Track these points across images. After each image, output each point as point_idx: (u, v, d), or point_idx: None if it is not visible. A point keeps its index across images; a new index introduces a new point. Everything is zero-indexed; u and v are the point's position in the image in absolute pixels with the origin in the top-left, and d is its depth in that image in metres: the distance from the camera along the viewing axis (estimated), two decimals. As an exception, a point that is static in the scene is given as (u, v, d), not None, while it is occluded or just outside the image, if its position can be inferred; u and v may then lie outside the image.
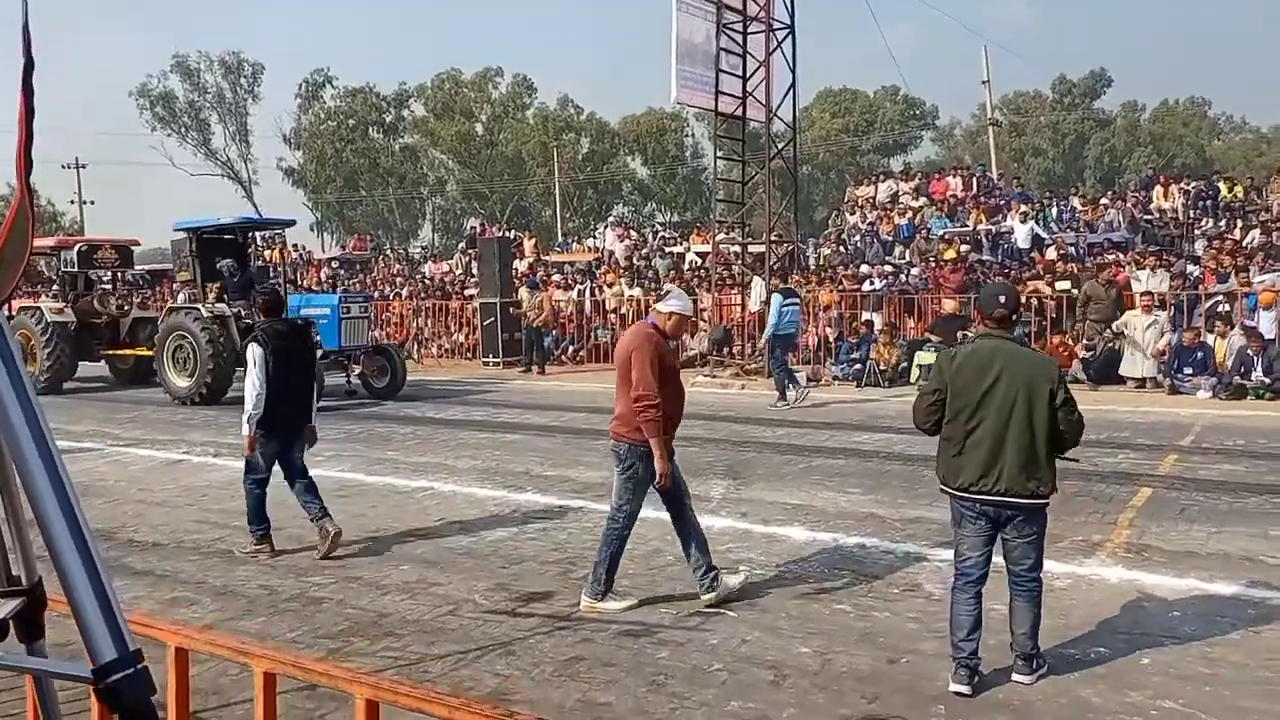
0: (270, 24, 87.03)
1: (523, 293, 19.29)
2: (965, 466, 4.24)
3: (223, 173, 57.51)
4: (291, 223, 19.49)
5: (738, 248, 19.96)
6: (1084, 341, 14.80)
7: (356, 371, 15.14)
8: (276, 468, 6.61)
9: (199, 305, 14.90)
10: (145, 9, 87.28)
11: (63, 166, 49.30)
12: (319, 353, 13.97)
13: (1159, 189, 23.28)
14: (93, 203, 50.96)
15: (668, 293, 5.80)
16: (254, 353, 6.45)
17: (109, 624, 0.94)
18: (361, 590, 5.69)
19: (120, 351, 17.46)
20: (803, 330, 16.09)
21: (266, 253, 31.17)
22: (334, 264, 31.54)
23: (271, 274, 16.13)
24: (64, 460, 1.02)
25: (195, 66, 55.44)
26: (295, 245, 33.69)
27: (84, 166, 50.01)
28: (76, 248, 17.97)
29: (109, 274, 18.56)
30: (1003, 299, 4.40)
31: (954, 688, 4.22)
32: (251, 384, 6.40)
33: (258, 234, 21.51)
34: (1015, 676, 4.30)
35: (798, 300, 14.48)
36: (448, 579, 5.88)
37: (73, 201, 50.89)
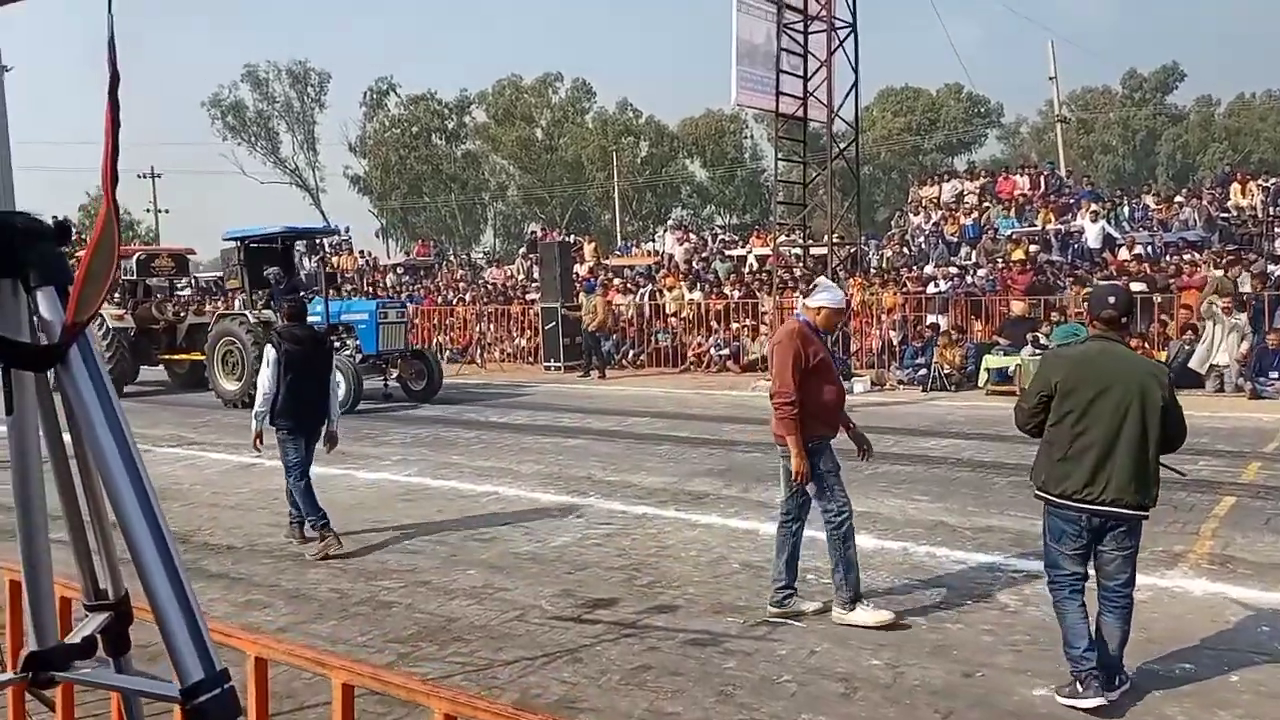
0: (336, 33, 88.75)
1: (582, 297, 19.37)
2: (1071, 474, 4.05)
3: (291, 180, 58.79)
4: (335, 231, 19.98)
5: (799, 250, 19.79)
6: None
7: (394, 375, 15.46)
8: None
9: (246, 312, 15.41)
10: (220, 25, 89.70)
11: (138, 176, 50.85)
12: (358, 357, 14.46)
13: (1236, 186, 22.52)
14: (167, 211, 52.53)
15: (816, 285, 5.56)
16: (268, 354, 6.87)
17: (196, 644, 0.93)
18: (430, 595, 5.73)
19: (176, 356, 18.11)
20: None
21: (335, 259, 31.90)
22: (398, 270, 31.99)
23: (316, 281, 16.65)
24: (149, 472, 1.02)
25: (264, 76, 56.80)
26: (361, 251, 34.33)
27: (159, 176, 51.57)
28: (135, 256, 18.67)
29: (166, 281, 19.30)
30: (1112, 300, 4.21)
31: (1090, 703, 4.00)
32: (262, 382, 6.80)
33: (325, 240, 21.95)
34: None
35: None
36: (514, 584, 5.89)
37: (148, 210, 52.49)
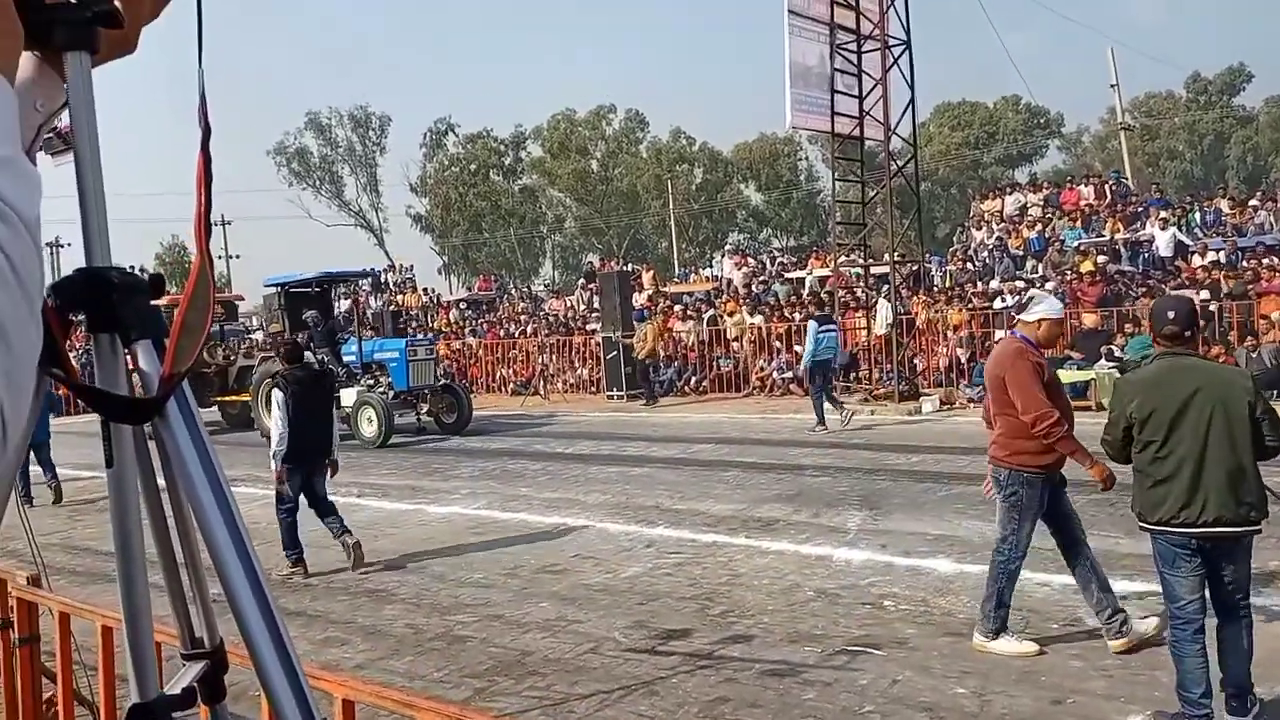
0: (394, 77, 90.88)
1: (635, 325, 19.48)
2: (1165, 498, 3.90)
3: (355, 222, 60.15)
4: (368, 274, 21.29)
5: (859, 270, 19.59)
6: None
7: (424, 409, 16.03)
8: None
9: None
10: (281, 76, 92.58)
11: (211, 224, 52.36)
12: (390, 394, 15.26)
13: (1315, 186, 21.78)
14: (238, 257, 54.05)
15: (1030, 299, 5.33)
16: (276, 397, 7.35)
17: (296, 696, 0.93)
18: (503, 629, 5.73)
19: (229, 398, 18.82)
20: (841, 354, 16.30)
21: (400, 297, 32.47)
22: (461, 305, 32.45)
23: (353, 321, 17.71)
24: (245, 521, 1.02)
25: (326, 122, 58.36)
26: (425, 289, 34.91)
27: (229, 223, 53.17)
28: None
29: (217, 327, 20.35)
30: (1171, 314, 4.07)
31: None
32: (275, 424, 7.31)
33: (388, 277, 22.60)
34: (1229, 719, 3.93)
35: (834, 327, 14.79)
36: (586, 616, 5.87)
37: (220, 256, 54.04)
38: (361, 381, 15.73)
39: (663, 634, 5.49)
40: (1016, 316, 5.27)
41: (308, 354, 15.64)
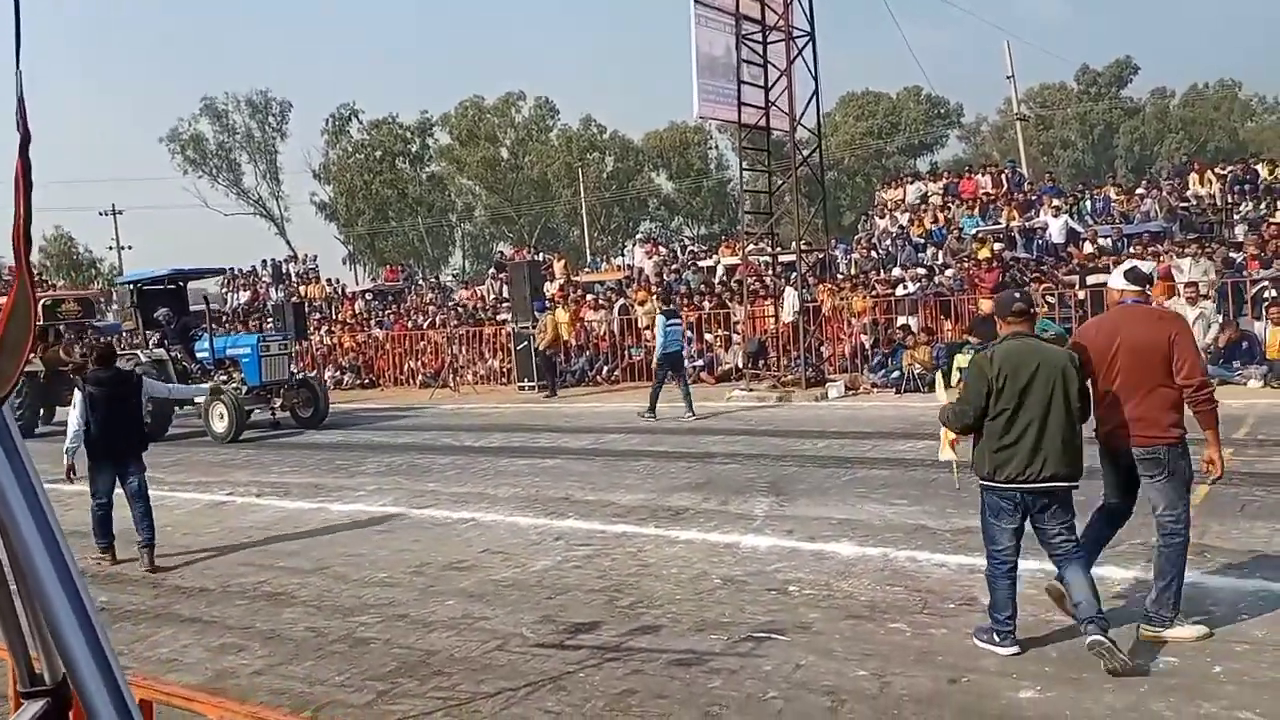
0: (294, 62, 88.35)
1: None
2: (1012, 459, 4.54)
3: (255, 211, 58.39)
4: (221, 271, 22.17)
5: (768, 258, 19.84)
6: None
7: (278, 404, 16.17)
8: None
9: (138, 351, 16.44)
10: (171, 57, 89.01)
11: (99, 214, 50.33)
12: (243, 389, 15.50)
13: (1194, 175, 22.86)
14: (130, 247, 51.96)
15: (1133, 267, 5.05)
16: (75, 395, 7.60)
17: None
18: (408, 629, 5.64)
19: None
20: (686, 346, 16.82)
21: (302, 288, 31.63)
22: (367, 296, 31.80)
23: (205, 318, 17.56)
24: (69, 545, 0.97)
25: (223, 108, 56.45)
26: (329, 279, 34.11)
27: (120, 212, 51.04)
28: (41, 302, 18.92)
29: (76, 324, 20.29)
30: (1017, 296, 4.88)
31: (1008, 651, 4.61)
32: (70, 421, 7.55)
33: (290, 268, 22.02)
34: (1090, 635, 4.40)
35: (679, 320, 15.25)
36: (494, 613, 5.82)
37: (110, 247, 51.91)
38: (214, 377, 15.65)
39: (571, 628, 5.47)
40: (1135, 285, 4.84)
41: (160, 350, 16.11)
